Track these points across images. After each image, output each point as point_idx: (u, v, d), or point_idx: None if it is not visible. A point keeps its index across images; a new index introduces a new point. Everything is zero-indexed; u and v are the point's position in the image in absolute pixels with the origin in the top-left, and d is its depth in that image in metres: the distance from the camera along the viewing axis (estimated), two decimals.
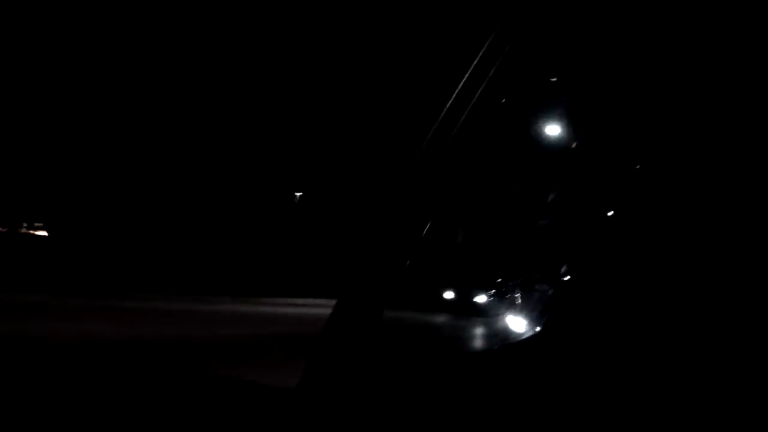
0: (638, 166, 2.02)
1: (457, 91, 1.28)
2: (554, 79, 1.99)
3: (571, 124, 2.63)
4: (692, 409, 1.20)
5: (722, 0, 1.45)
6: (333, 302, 1.28)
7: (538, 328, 2.92)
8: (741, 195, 1.73)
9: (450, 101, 1.26)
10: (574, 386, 1.71)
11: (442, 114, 1.24)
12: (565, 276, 2.73)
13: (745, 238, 1.68)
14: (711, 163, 1.81)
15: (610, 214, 2.19)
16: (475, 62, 1.24)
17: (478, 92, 1.29)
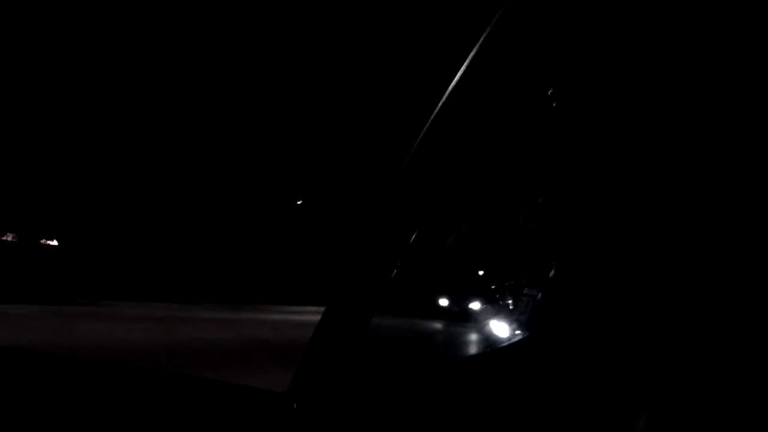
0: (628, 171, 2.02)
1: (445, 96, 1.27)
2: (550, 91, 2.00)
3: (561, 128, 2.63)
4: (683, 411, 1.19)
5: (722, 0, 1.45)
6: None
7: (527, 332, 2.92)
8: (728, 203, 1.74)
9: (438, 107, 1.26)
10: (563, 389, 1.71)
11: (430, 121, 1.24)
12: (554, 279, 2.73)
13: (731, 244, 1.69)
14: (699, 170, 1.81)
15: (596, 218, 2.19)
16: (464, 67, 1.24)
17: (466, 97, 1.29)
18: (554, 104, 1.97)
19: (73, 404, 1.21)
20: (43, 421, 1.12)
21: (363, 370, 1.29)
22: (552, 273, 2.83)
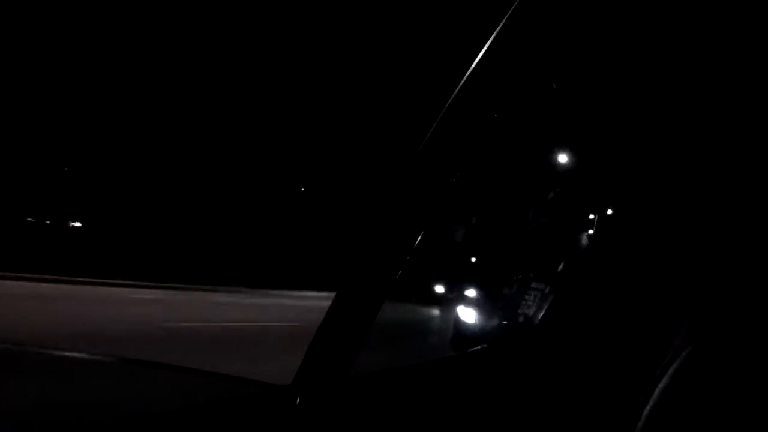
0: (633, 171, 1.99)
1: (455, 93, 1.24)
2: (554, 85, 1.96)
3: (570, 127, 2.60)
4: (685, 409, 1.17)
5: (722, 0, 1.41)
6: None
7: (534, 324, 2.89)
8: (731, 201, 1.71)
9: (447, 103, 1.23)
10: (570, 380, 1.69)
11: (438, 119, 1.21)
12: (562, 274, 2.70)
13: (733, 242, 1.66)
14: (703, 168, 1.78)
15: (609, 212, 2.17)
16: (472, 68, 1.21)
17: (478, 93, 1.26)
18: (565, 104, 1.94)
19: (73, 398, 1.20)
20: (42, 419, 1.11)
21: (365, 366, 1.27)
22: (560, 267, 2.82)
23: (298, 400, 1.16)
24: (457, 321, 7.04)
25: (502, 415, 1.58)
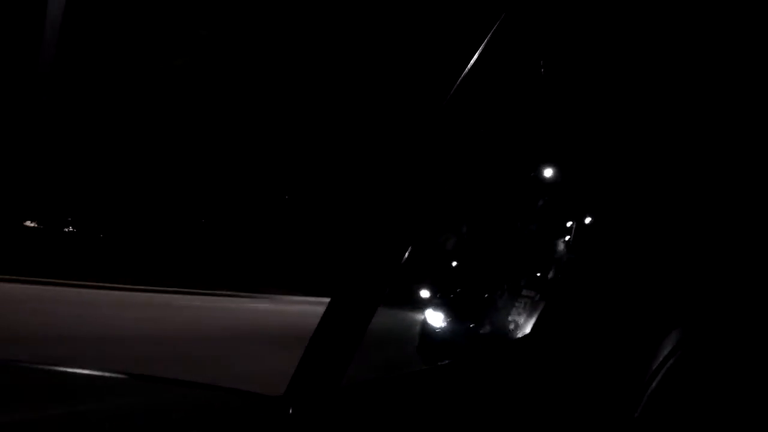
0: (621, 181, 2.01)
1: (449, 95, 1.25)
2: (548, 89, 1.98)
3: (560, 137, 2.62)
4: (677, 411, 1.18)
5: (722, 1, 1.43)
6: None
7: (526, 331, 2.90)
8: (717, 207, 1.72)
9: (436, 116, 1.23)
10: (565, 384, 1.70)
11: (427, 133, 1.22)
12: (552, 282, 2.71)
13: (720, 248, 1.68)
14: (689, 176, 1.80)
15: (587, 221, 2.19)
16: (459, 81, 1.22)
17: (463, 107, 1.26)
18: (555, 112, 1.96)
19: (72, 412, 1.20)
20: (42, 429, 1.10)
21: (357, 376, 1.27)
22: (551, 275, 2.82)
23: (290, 411, 1.15)
24: (424, 327, 6.47)
25: (498, 421, 1.58)
